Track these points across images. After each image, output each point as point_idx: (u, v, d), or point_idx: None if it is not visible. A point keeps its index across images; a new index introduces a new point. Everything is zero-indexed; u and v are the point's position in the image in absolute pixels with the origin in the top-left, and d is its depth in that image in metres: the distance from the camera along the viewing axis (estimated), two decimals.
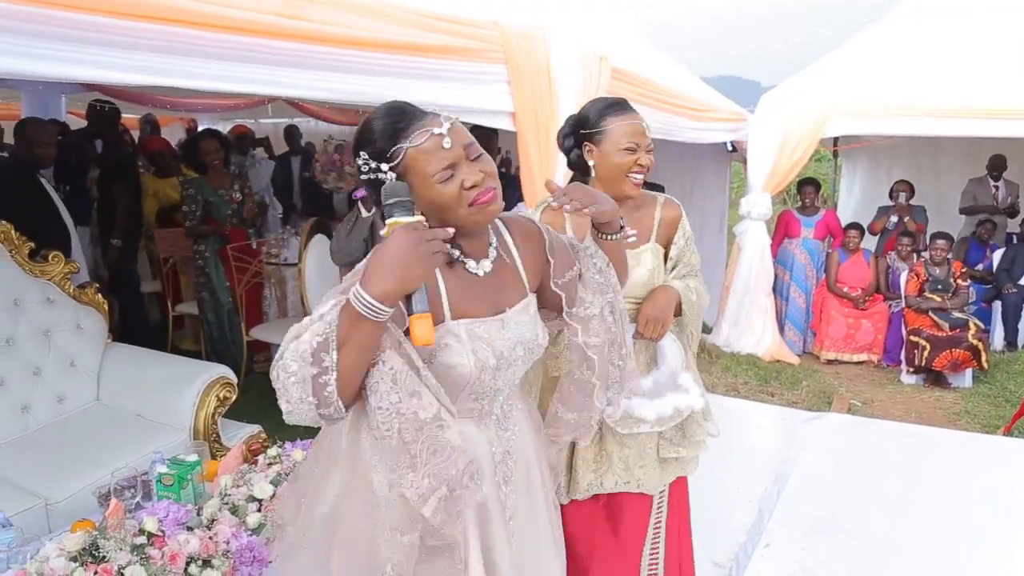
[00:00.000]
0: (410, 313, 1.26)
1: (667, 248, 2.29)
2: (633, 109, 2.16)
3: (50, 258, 3.40)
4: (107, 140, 5.68)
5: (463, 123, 1.43)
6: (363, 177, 1.41)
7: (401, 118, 1.39)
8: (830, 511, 3.61)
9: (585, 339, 1.61)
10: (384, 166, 1.36)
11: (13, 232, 3.25)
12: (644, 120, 2.16)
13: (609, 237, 1.69)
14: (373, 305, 1.20)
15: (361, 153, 1.39)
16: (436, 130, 1.36)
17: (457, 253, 1.47)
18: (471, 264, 1.48)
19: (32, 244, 3.34)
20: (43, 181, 4.30)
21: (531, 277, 1.59)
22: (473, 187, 1.37)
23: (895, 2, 6.97)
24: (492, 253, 1.52)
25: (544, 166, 3.43)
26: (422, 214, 1.33)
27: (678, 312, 2.22)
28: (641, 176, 2.13)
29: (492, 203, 1.40)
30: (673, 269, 2.28)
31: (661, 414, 2.18)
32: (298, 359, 1.23)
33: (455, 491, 1.33)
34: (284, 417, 1.28)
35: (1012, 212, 7.14)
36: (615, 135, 2.10)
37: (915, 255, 6.28)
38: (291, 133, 8.23)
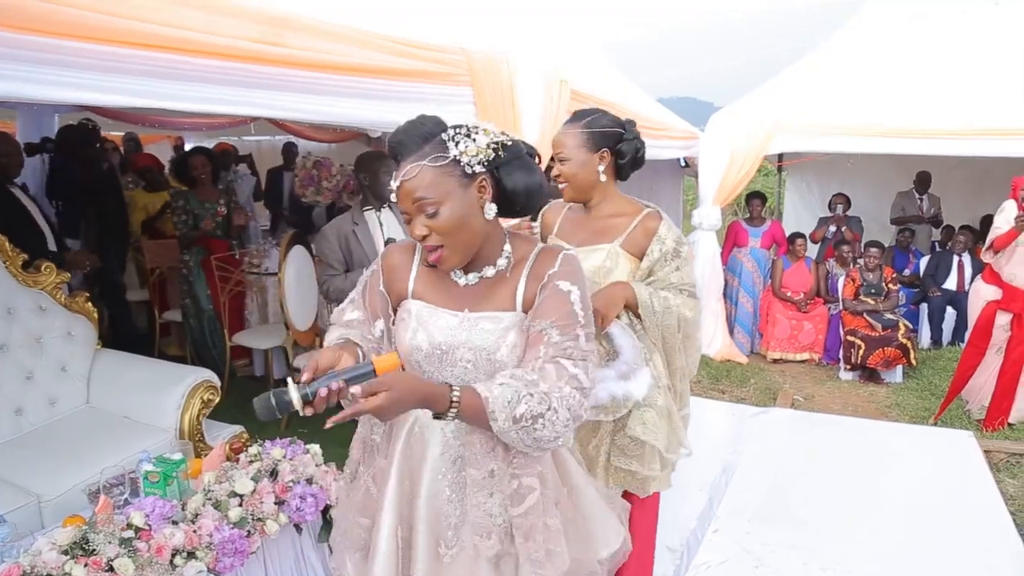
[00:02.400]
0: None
1: (642, 257, 2.20)
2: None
3: (42, 268, 3.36)
4: (82, 158, 5.54)
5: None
6: None
7: (395, 151, 1.46)
8: (774, 498, 3.68)
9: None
10: None
11: (7, 243, 3.21)
12: (563, 132, 2.25)
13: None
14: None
15: None
16: (394, 183, 1.45)
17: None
18: (455, 273, 1.54)
19: (25, 255, 3.30)
20: (15, 191, 4.17)
21: (526, 303, 1.51)
22: (422, 238, 1.44)
23: (835, 33, 7.14)
24: (489, 271, 1.53)
25: None
26: None
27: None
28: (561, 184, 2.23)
29: (439, 262, 1.46)
30: (648, 279, 2.20)
31: (597, 399, 2.09)
32: None
33: None
34: None
35: (936, 222, 7.39)
36: None
37: (853, 262, 6.43)
38: (289, 149, 8.20)
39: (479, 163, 1.43)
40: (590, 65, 5.20)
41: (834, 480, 3.90)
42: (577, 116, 2.27)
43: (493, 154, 1.44)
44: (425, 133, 1.45)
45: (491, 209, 1.47)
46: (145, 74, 2.00)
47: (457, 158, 1.42)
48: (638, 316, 2.17)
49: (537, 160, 1.54)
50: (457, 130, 1.44)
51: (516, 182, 1.48)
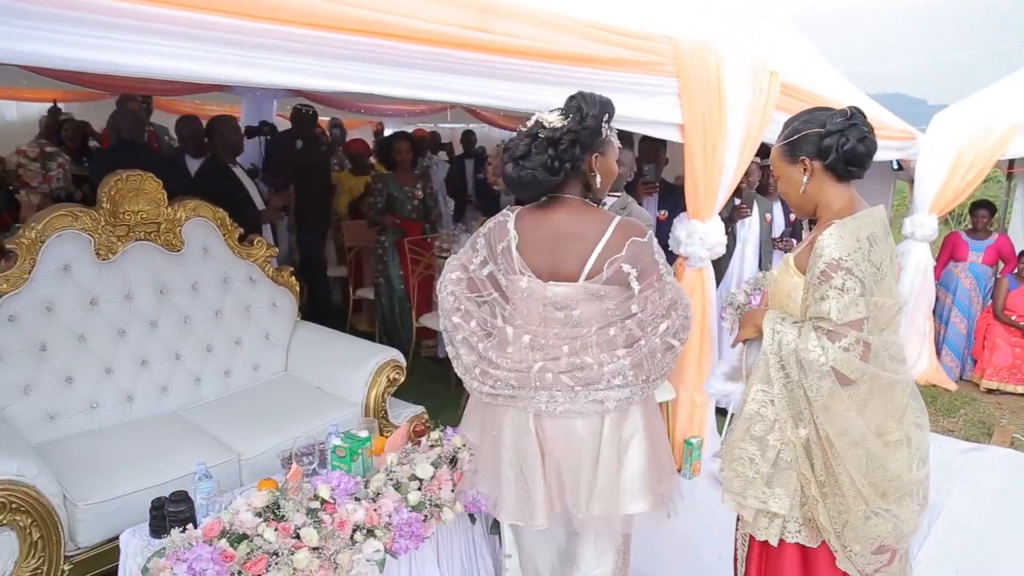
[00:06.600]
0: None
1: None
2: None
3: (255, 242, 3.59)
4: (305, 140, 5.96)
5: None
6: None
7: None
8: (988, 548, 3.23)
9: None
10: None
11: (228, 219, 3.46)
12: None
13: None
14: None
15: None
16: None
17: None
18: None
19: (241, 230, 3.54)
20: (237, 172, 4.49)
21: None
22: None
23: None
24: None
25: (709, 178, 3.26)
26: None
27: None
28: None
29: None
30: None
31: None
32: None
33: None
34: None
35: None
36: None
37: None
38: (467, 137, 8.43)
39: None
40: (799, 55, 4.81)
41: None
42: (783, 127, 1.98)
43: None
44: None
45: None
46: (360, 59, 2.04)
47: None
48: None
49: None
50: None
51: None
